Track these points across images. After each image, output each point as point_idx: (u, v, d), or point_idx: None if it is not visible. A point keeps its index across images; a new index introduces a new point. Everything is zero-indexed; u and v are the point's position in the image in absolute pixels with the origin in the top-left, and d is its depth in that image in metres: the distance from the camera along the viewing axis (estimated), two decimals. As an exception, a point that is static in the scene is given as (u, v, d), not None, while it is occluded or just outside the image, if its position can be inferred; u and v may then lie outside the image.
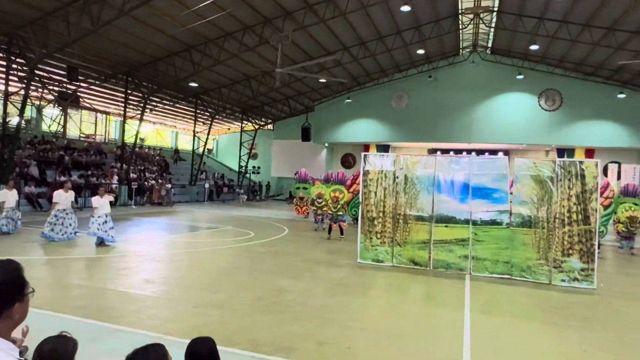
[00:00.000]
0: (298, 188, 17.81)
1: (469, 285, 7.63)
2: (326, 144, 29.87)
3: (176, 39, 17.67)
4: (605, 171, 23.15)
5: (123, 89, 21.44)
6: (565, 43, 19.73)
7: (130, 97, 22.32)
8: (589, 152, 24.86)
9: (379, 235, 9.16)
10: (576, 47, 20.04)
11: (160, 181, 23.41)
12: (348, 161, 30.54)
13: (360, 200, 9.43)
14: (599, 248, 9.49)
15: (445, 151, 25.81)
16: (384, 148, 27.82)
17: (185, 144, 33.95)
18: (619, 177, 22.08)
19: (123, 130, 22.29)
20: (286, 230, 14.34)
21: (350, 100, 27.18)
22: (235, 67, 21.29)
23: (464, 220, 8.62)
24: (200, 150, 28.19)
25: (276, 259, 9.35)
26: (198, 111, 26.89)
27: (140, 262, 8.47)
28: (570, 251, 7.89)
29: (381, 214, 9.16)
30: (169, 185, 23.31)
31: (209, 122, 27.88)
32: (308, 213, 17.78)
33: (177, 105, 26.77)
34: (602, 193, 12.38)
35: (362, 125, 27.24)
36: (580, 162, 8.11)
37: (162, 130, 32.53)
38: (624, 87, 22.73)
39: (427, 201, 8.89)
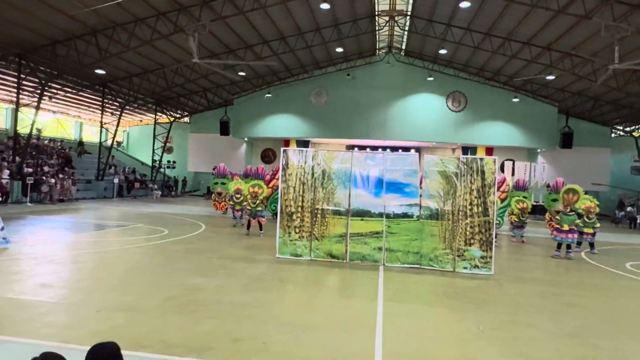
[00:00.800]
0: (216, 183, 17.39)
1: (383, 276, 7.96)
2: (246, 139, 29.43)
3: (78, 21, 16.16)
4: (502, 168, 25.56)
5: (15, 73, 19.16)
6: (469, 49, 21.38)
7: (24, 82, 20.03)
8: (489, 150, 27.30)
9: (297, 230, 9.20)
10: (478, 54, 21.82)
11: (61, 176, 21.36)
12: (268, 156, 30.38)
13: (279, 195, 9.41)
14: (496, 237, 10.45)
15: (362, 147, 26.70)
16: (303, 144, 28.08)
17: (91, 135, 31.33)
18: (513, 173, 24.50)
19: (15, 119, 19.96)
20: (203, 227, 13.90)
21: (270, 95, 27.01)
22: (147, 55, 20.06)
23: (378, 214, 8.97)
24: (109, 142, 26.17)
25: (191, 256, 9.02)
26: (106, 101, 24.93)
27: (35, 264, 7.64)
28: (472, 241, 8.57)
29: (300, 209, 9.21)
30: (70, 181, 21.37)
31: (119, 113, 25.99)
32: (226, 209, 17.45)
33: (82, 93, 24.57)
34: (499, 187, 13.62)
35: (282, 120, 27.23)
36: (481, 159, 8.83)
37: (64, 121, 29.67)
38: (517, 92, 25.26)
39: (344, 196, 9.12)
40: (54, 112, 27.85)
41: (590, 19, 14.38)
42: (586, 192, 13.86)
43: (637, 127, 25.41)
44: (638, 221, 21.53)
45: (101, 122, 25.21)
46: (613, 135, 27.16)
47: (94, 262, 8.19)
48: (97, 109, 26.73)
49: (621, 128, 26.74)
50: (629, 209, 22.16)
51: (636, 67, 14.41)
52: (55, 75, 19.69)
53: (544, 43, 18.51)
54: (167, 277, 7.15)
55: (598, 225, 11.97)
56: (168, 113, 29.39)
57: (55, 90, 22.97)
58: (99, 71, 20.85)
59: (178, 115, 30.40)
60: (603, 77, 15.37)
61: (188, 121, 31.08)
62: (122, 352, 2.17)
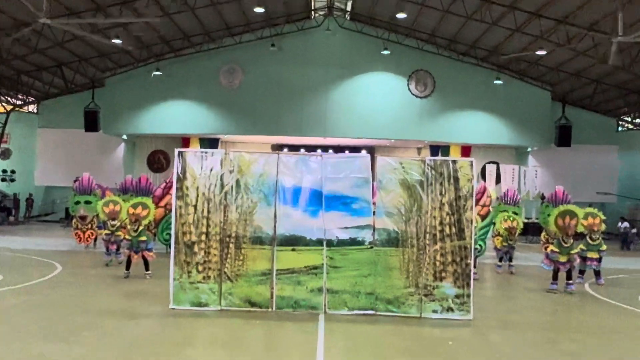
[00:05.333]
0: (78, 202, 16.89)
1: (324, 329, 8.02)
2: (124, 136, 28.53)
3: None
4: (483, 173, 26.80)
5: None
6: (436, 13, 22.30)
7: None
8: (465, 150, 28.59)
9: (201, 268, 9.09)
10: (449, 19, 22.81)
11: None
12: (158, 162, 29.67)
13: (174, 217, 9.21)
14: (475, 268, 10.89)
15: (293, 148, 26.82)
16: (210, 143, 27.72)
17: None
18: (497, 181, 25.80)
19: None
20: (59, 267, 13.34)
21: (159, 73, 26.39)
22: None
23: (316, 241, 9.05)
24: None
25: (39, 312, 8.67)
26: None
27: None
28: (443, 274, 8.89)
29: (204, 237, 9.10)
30: None
31: None
32: (95, 239, 17.01)
33: None
34: (478, 200, 14.28)
35: (179, 109, 26.73)
36: (453, 162, 9.24)
37: None
38: (500, 72, 26.68)
39: (268, 216, 9.12)
40: None
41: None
42: (590, 205, 14.78)
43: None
44: (630, 240, 23.26)
45: None
46: (620, 129, 29.42)
47: None
48: None
49: (629, 120, 28.98)
50: (624, 224, 23.74)
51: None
52: None
53: (532, 7, 19.76)
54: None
55: (604, 247, 12.81)
56: (4, 98, 27.77)
57: None
58: None
59: (19, 102, 28.81)
60: (612, 53, 16.10)
61: (35, 110, 29.57)
62: None
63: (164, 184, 16.33)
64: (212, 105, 26.64)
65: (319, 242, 9.05)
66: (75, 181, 18.27)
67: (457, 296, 8.86)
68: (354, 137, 27.19)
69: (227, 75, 26.70)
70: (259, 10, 23.40)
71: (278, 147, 28.10)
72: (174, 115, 26.75)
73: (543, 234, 15.40)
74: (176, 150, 9.50)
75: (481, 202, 14.33)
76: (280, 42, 26.50)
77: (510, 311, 9.98)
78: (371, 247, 9.05)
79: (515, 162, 28.49)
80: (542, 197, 23.10)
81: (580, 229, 12.45)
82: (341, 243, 9.04)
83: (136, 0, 20.63)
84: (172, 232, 9.25)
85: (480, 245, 14.16)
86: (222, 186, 9.20)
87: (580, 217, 12.22)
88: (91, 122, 26.55)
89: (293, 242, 9.10)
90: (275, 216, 9.10)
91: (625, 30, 14.72)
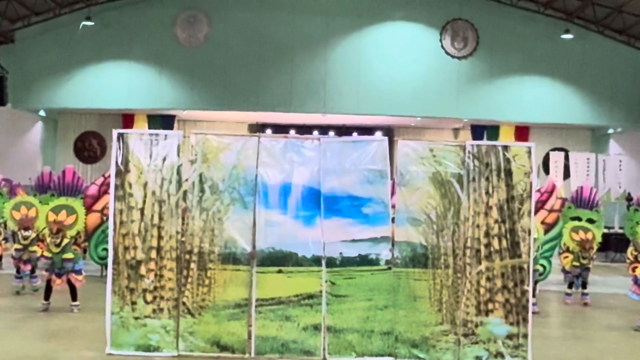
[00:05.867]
0: (-24, 206, 16.80)
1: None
2: (42, 113, 28.47)
3: None
4: (546, 164, 26.70)
5: None
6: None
7: None
8: (521, 132, 28.54)
9: (150, 297, 9.08)
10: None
11: None
12: (90, 148, 29.69)
13: (111, 226, 9.19)
14: (534, 297, 10.86)
15: (280, 128, 26.76)
16: (164, 121, 27.80)
17: None
18: (566, 175, 25.68)
19: None
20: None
21: (91, 23, 26.29)
22: None
23: (311, 260, 9.03)
24: None
25: None
26: None
27: None
28: (490, 306, 8.88)
29: (154, 254, 9.10)
30: None
31: None
32: (0, 257, 17.04)
33: None
34: (543, 202, 14.24)
35: (119, 75, 26.62)
36: (505, 148, 9.19)
37: None
38: (570, 21, 26.57)
39: (244, 224, 9.10)
40: None
41: None
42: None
43: None
44: None
45: None
46: None
47: None
48: None
49: None
50: None
51: None
52: None
53: None
54: None
55: None
56: None
57: None
58: None
59: None
60: None
61: None
62: None
63: (101, 179, 16.22)
64: (165, 70, 26.55)
65: (316, 261, 9.02)
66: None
67: (509, 337, 8.83)
68: (364, 114, 27.18)
69: (187, 26, 26.57)
70: None
71: (258, 128, 28.08)
72: (111, 84, 26.60)
73: (630, 249, 15.22)
74: (114, 132, 9.44)
75: (548, 206, 14.29)
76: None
77: (584, 358, 9.93)
78: (389, 268, 9.03)
79: (592, 149, 28.41)
80: (629, 199, 23.00)
81: None
82: (347, 262, 9.02)
83: None
84: (110, 247, 9.22)
85: (543, 265, 14.14)
86: (180, 182, 9.18)
87: None
88: (-5, 93, 26.50)
89: (280, 260, 9.06)
90: (254, 225, 9.07)
91: None
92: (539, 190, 14.72)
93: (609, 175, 25.74)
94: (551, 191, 14.75)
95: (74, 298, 12.22)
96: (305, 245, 9.07)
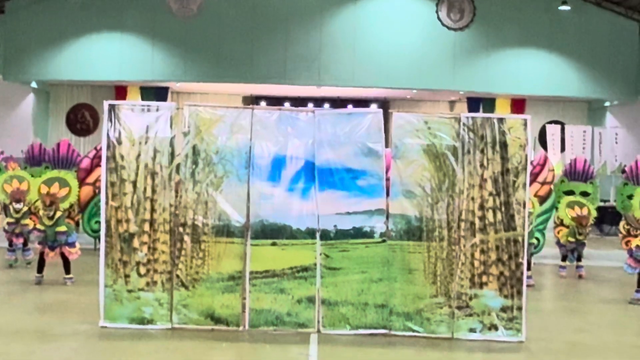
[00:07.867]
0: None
1: (317, 355, 8.01)
2: (34, 84, 28.34)
3: None
4: (542, 137, 26.72)
5: None
6: None
7: None
8: (518, 104, 28.56)
9: (143, 270, 9.04)
10: None
11: None
12: (83, 120, 29.64)
13: (104, 199, 9.18)
14: (529, 270, 10.89)
15: (274, 101, 26.66)
16: (157, 93, 27.72)
17: None
18: (562, 147, 25.71)
19: None
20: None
21: (83, -5, 26.16)
22: None
23: (305, 232, 9.02)
24: None
25: None
26: None
27: None
28: (484, 278, 8.89)
29: (147, 227, 9.07)
30: None
31: None
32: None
33: None
34: (536, 175, 14.23)
35: (111, 46, 26.48)
36: (500, 121, 9.14)
37: None
38: (567, -8, 26.47)
39: (238, 197, 9.07)
40: None
41: None
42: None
43: None
44: None
45: None
46: None
47: None
48: None
49: None
50: None
51: None
52: None
53: None
54: None
55: None
56: None
57: None
58: None
59: None
60: None
61: None
62: None
63: (93, 151, 16.08)
64: (158, 41, 26.42)
65: (310, 234, 9.01)
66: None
67: (503, 309, 8.85)
68: (359, 86, 27.14)
69: (180, -3, 26.41)
70: None
71: (252, 100, 27.98)
72: (104, 55, 26.49)
73: (622, 223, 15.28)
74: (105, 104, 9.36)
75: (540, 178, 14.28)
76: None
77: (578, 330, 9.95)
78: (384, 241, 9.03)
79: (588, 121, 28.43)
80: (623, 172, 23.01)
81: None
82: (341, 235, 9.01)
83: None
84: (102, 220, 9.20)
85: (537, 238, 14.17)
86: (173, 155, 9.15)
87: None
88: (-15, 65, 26.36)
89: (273, 233, 9.04)
90: (248, 197, 9.05)
91: None
92: (531, 163, 14.64)
93: (605, 148, 25.79)
94: (543, 164, 14.68)
95: (68, 271, 12.26)
96: (299, 218, 9.06)
